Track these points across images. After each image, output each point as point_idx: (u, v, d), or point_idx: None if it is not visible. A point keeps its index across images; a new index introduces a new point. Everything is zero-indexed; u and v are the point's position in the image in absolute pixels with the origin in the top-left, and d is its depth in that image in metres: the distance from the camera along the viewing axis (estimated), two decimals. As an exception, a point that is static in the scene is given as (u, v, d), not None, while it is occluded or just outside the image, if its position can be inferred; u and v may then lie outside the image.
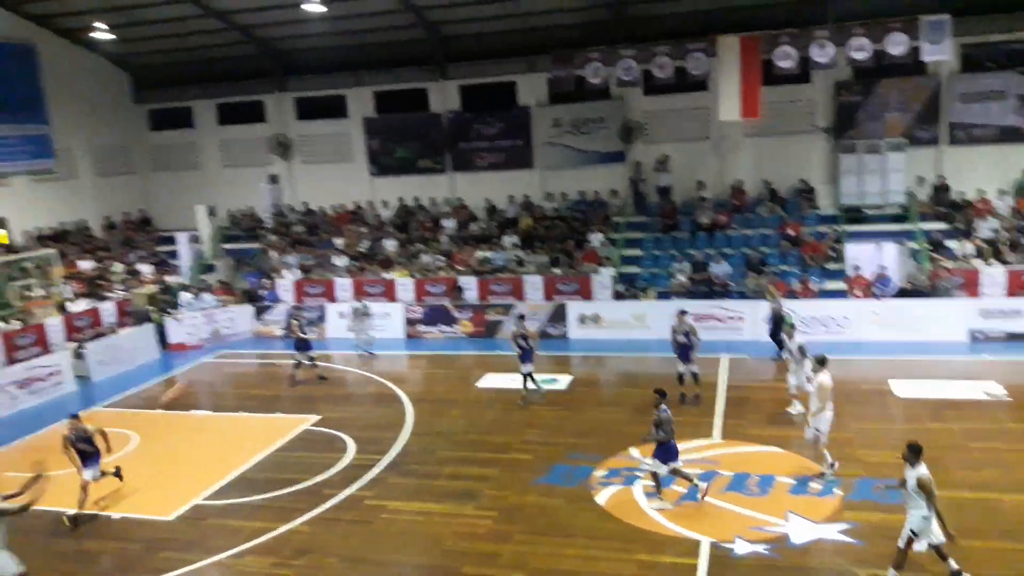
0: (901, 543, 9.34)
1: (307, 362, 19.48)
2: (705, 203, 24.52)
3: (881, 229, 22.81)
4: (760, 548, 10.66)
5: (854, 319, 20.19)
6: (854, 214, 23.60)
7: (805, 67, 21.01)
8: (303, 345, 19.55)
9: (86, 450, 12.97)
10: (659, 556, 10.61)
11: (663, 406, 11.86)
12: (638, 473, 13.02)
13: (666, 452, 11.93)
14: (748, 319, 20.81)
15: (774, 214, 23.95)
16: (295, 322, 20.07)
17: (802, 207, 23.97)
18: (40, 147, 26.73)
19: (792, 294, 20.78)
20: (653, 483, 12.21)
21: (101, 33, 25.35)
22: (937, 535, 9.07)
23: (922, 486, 8.98)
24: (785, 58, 20.44)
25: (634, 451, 13.89)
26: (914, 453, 9.15)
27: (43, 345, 21.05)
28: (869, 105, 23.69)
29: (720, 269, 22.16)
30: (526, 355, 16.84)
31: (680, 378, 16.49)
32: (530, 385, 17.07)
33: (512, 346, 17.20)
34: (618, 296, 22.48)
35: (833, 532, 10.93)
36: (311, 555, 11.28)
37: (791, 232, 23.00)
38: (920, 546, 9.21)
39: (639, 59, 21.63)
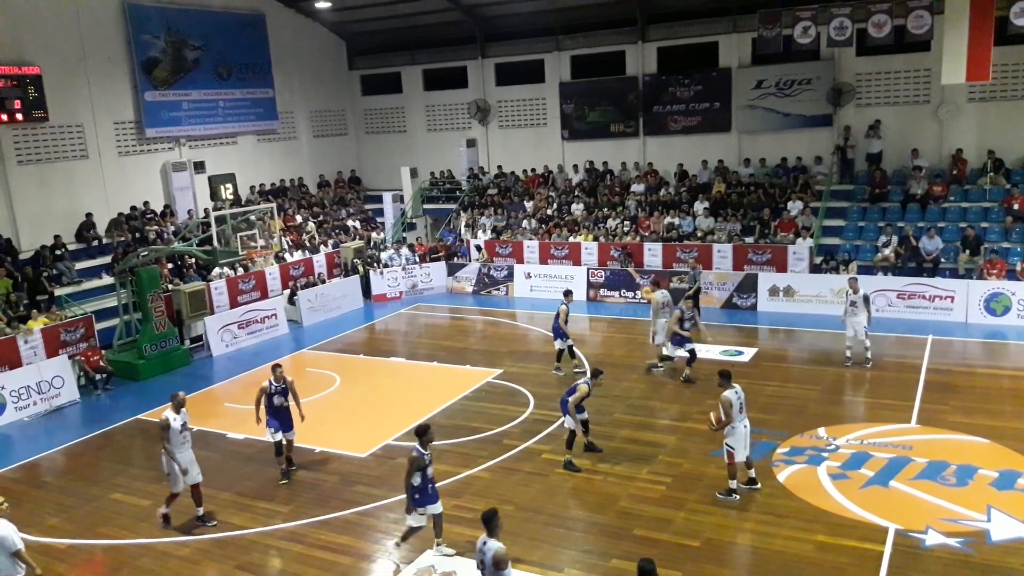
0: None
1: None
2: (919, 172, 22.73)
3: None
4: (952, 541, 9.98)
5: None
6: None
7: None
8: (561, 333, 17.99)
9: (281, 405, 12.65)
10: (840, 539, 10.18)
11: None
12: (824, 454, 12.54)
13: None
14: (959, 299, 19.24)
15: (998, 186, 21.83)
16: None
17: (1032, 180, 21.67)
18: (266, 110, 29.14)
19: (1013, 274, 18.93)
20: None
21: (322, 2, 27.04)
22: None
23: (723, 403, 11.07)
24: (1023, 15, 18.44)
25: (822, 431, 13.37)
26: (725, 378, 11.24)
27: (262, 291, 23.22)
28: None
29: (931, 244, 20.54)
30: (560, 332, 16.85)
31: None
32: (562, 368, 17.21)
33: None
34: (815, 269, 21.46)
35: (1042, 533, 10.03)
36: (490, 501, 11.78)
37: (1017, 207, 20.87)
38: (741, 456, 11.24)
39: (854, 17, 20.35)
